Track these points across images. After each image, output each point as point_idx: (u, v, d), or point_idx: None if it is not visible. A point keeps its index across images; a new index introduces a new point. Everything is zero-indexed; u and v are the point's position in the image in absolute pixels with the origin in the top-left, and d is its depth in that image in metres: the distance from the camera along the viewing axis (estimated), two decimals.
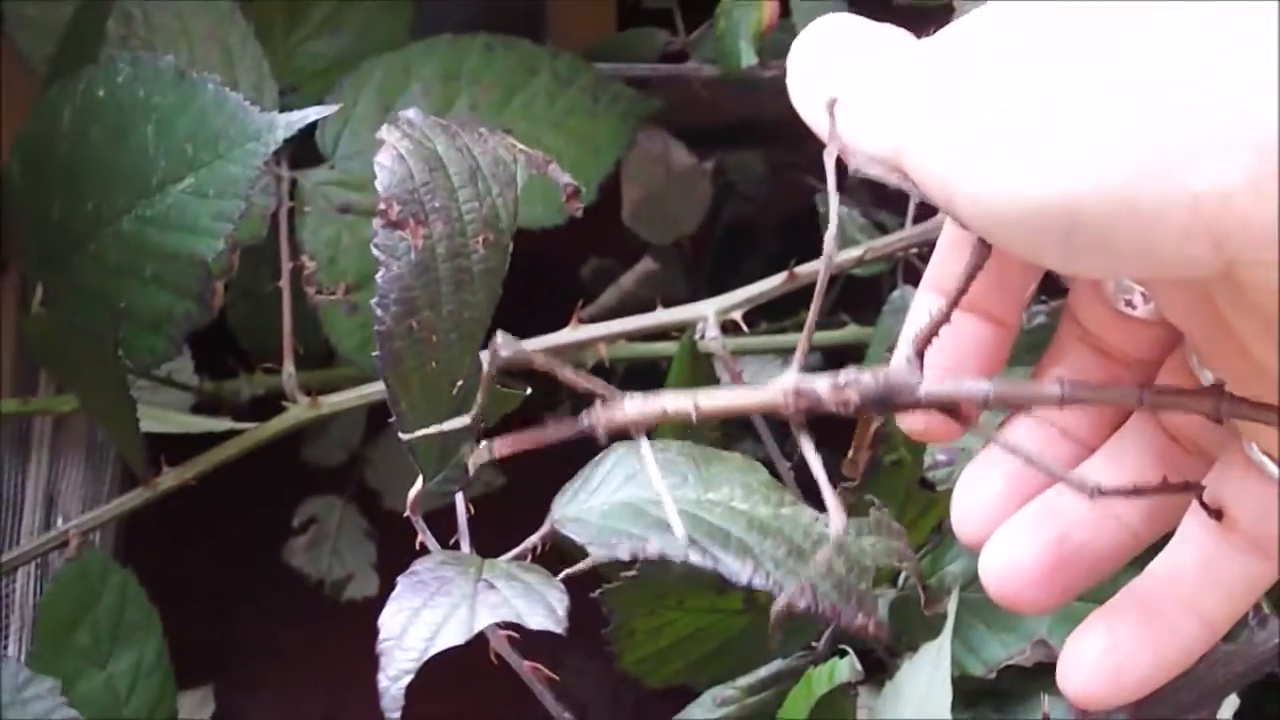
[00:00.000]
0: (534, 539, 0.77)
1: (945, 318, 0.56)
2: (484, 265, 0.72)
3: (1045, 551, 0.56)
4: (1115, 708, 0.69)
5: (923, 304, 0.58)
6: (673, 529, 0.75)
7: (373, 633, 0.66)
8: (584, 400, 1.30)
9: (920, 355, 0.56)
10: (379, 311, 0.69)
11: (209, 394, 1.17)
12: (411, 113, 0.73)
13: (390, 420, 0.71)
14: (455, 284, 0.71)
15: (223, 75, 0.92)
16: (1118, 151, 0.41)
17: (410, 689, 0.64)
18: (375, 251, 0.70)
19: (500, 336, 0.59)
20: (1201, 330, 0.52)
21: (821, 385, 0.56)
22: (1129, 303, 0.56)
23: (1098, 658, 0.55)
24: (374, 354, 0.70)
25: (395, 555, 0.70)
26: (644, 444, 0.58)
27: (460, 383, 0.73)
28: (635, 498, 0.78)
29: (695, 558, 0.75)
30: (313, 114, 0.87)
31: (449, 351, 0.72)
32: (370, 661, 0.66)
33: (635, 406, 0.57)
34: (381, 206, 0.70)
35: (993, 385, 0.55)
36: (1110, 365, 0.58)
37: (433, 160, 0.71)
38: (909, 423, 0.58)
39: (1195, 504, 0.55)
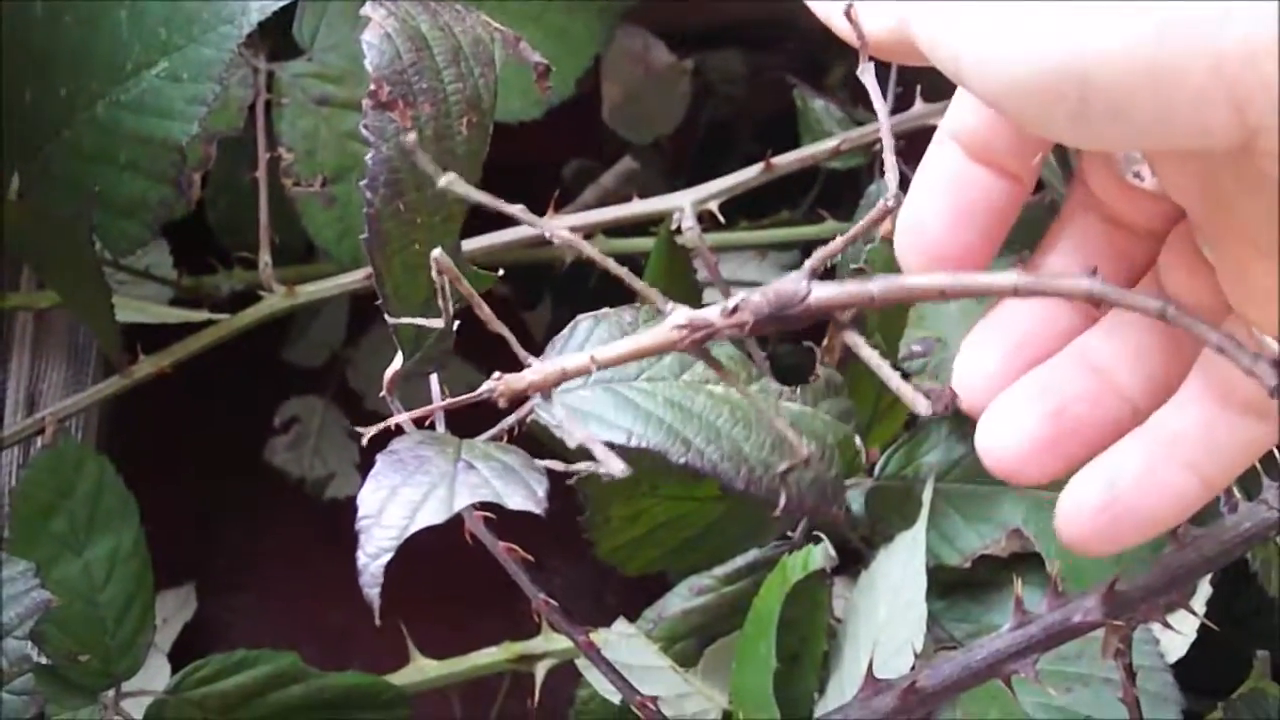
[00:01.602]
0: (512, 419, 0.78)
1: (846, 244, 0.57)
2: (467, 147, 0.73)
3: (1043, 425, 0.56)
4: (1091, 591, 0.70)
5: (935, 155, 0.58)
6: (663, 430, 0.76)
7: (354, 531, 0.66)
8: (564, 296, 1.30)
9: (814, 272, 0.56)
10: (368, 193, 0.70)
11: (188, 288, 1.17)
12: None
13: (371, 323, 0.72)
14: (440, 166, 0.71)
15: None
16: (1139, 9, 0.41)
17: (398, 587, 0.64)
18: (365, 132, 0.70)
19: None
20: (1204, 212, 0.51)
21: (712, 314, 0.56)
22: (1137, 174, 0.55)
23: (1097, 507, 0.55)
24: (362, 236, 0.71)
25: (377, 455, 0.70)
26: (555, 407, 0.59)
27: None
28: (618, 378, 0.79)
29: (694, 461, 0.76)
30: None
31: (432, 233, 0.73)
32: (353, 559, 0.65)
33: (535, 371, 0.57)
34: (371, 87, 0.70)
35: (878, 284, 0.55)
36: (1116, 234, 0.57)
37: (418, 40, 0.71)
38: (904, 254, 0.58)
39: (1197, 367, 0.55)
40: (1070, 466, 0.57)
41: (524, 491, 0.67)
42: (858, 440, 0.86)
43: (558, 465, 0.66)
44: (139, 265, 1.12)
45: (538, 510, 0.66)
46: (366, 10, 0.72)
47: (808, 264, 0.56)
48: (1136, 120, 0.42)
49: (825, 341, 0.91)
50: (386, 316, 0.73)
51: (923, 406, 0.54)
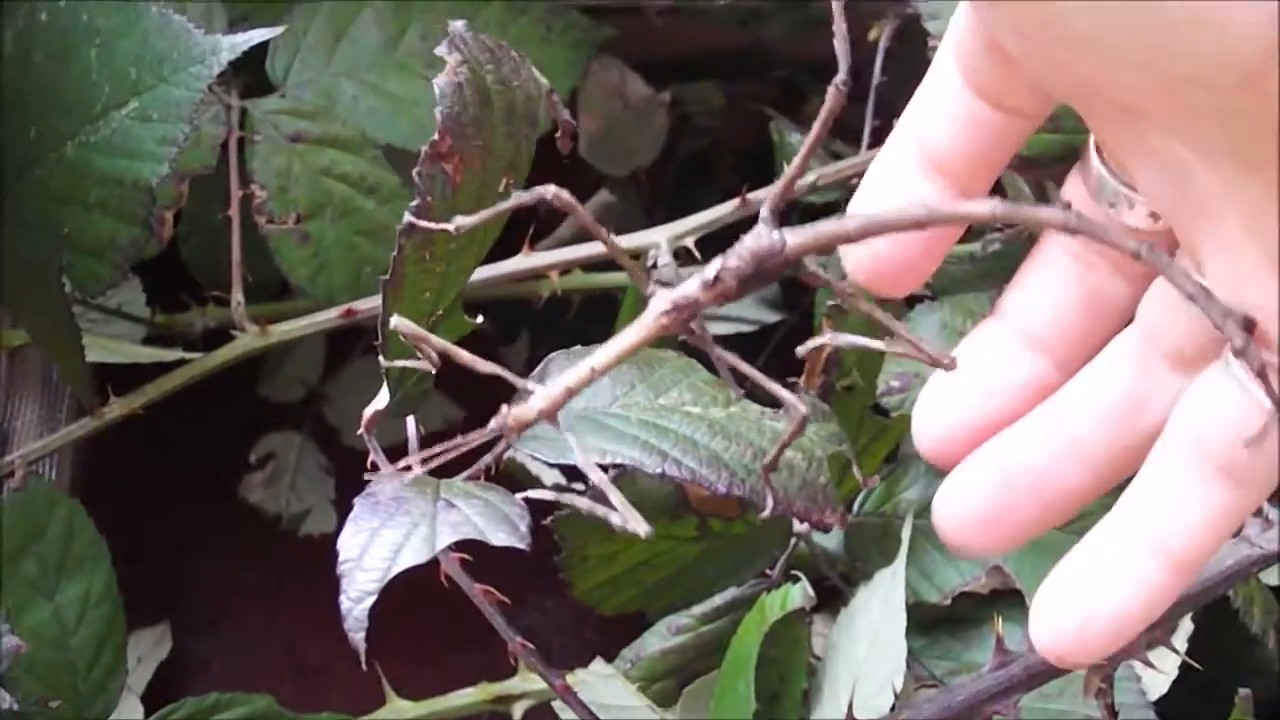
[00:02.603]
0: (490, 457, 0.77)
1: (810, 150, 0.56)
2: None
3: (992, 494, 0.54)
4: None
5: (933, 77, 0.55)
6: (638, 445, 0.76)
7: (331, 567, 0.65)
8: (541, 331, 1.29)
9: (775, 214, 0.55)
10: (401, 239, 0.70)
11: (161, 327, 1.16)
12: (461, 26, 0.72)
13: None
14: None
15: (172, 4, 0.91)
16: None
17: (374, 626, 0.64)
18: (416, 179, 0.69)
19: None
20: (1181, 211, 0.49)
21: (693, 289, 0.55)
22: (1113, 205, 0.53)
23: (1063, 615, 0.52)
24: (382, 278, 0.71)
25: (353, 491, 0.69)
26: (570, 440, 0.58)
27: (439, 312, 0.75)
28: (592, 408, 0.78)
29: (671, 470, 0.75)
30: (258, 35, 0.87)
31: (445, 281, 0.73)
32: (329, 596, 0.65)
33: (540, 397, 0.56)
34: (435, 137, 0.70)
35: (854, 221, 0.54)
36: (1091, 271, 0.55)
37: (484, 94, 0.72)
38: (856, 272, 0.56)
39: (1164, 436, 0.52)
40: (1024, 538, 0.55)
41: (507, 527, 0.66)
42: (855, 471, 0.85)
43: (543, 494, 0.65)
44: (111, 304, 1.11)
45: (521, 545, 0.66)
46: (441, 51, 0.71)
47: (765, 210, 0.55)
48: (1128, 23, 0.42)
49: (802, 380, 0.91)
50: (380, 359, 0.72)
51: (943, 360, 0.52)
